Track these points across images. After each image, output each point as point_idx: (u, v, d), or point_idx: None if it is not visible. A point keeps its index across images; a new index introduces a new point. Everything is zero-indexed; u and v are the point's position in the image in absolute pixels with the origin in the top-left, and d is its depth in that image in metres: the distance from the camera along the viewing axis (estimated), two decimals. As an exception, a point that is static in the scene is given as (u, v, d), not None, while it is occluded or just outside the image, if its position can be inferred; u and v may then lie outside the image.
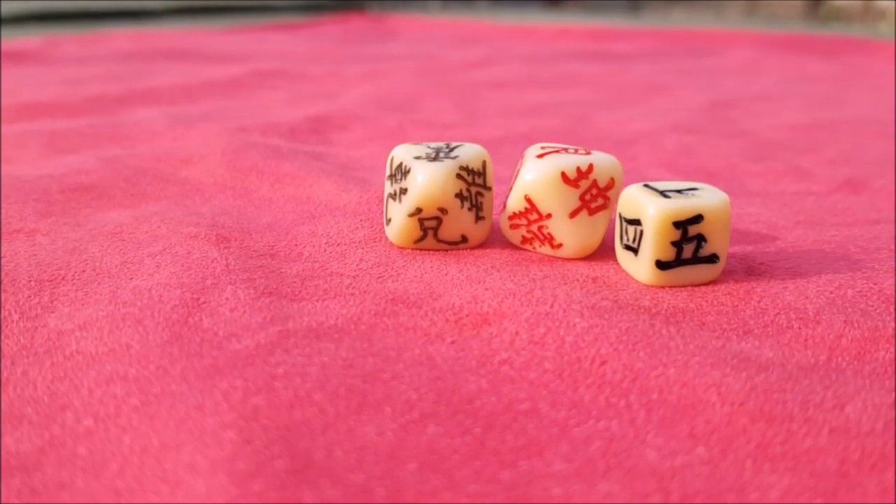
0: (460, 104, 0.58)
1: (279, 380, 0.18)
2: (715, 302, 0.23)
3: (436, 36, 1.18)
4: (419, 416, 0.17)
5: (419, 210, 0.26)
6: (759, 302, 0.23)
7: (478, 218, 0.26)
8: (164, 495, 0.15)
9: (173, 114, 0.51)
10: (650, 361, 0.19)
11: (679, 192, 0.24)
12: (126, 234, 0.28)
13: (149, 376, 0.18)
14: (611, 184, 0.25)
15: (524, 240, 0.26)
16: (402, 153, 0.27)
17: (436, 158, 0.26)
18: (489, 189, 0.27)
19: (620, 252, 0.25)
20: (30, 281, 0.24)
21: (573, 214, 0.25)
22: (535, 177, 0.25)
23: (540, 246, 0.26)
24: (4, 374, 0.19)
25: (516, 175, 0.26)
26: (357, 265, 0.26)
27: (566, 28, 1.24)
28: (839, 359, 0.20)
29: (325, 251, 0.27)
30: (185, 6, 1.52)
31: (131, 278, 0.24)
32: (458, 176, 0.26)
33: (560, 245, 0.26)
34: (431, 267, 0.25)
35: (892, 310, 0.22)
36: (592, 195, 0.25)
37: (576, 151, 0.26)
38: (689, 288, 0.24)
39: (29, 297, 0.23)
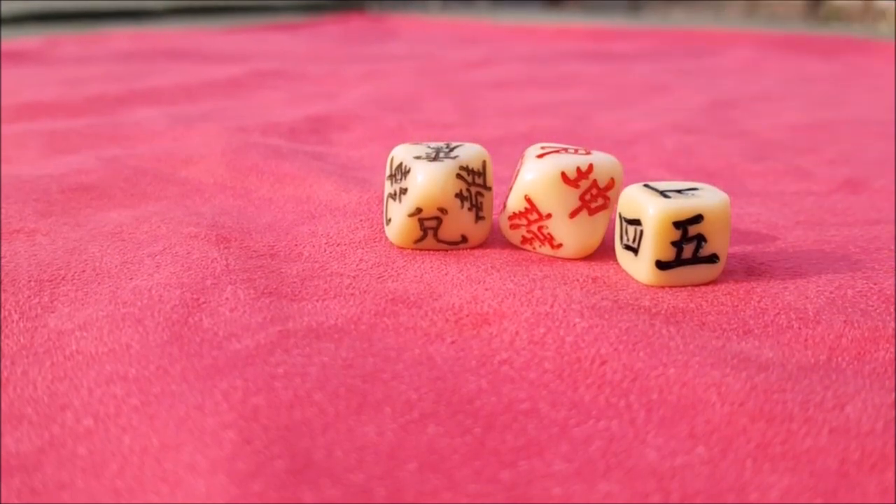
0: (460, 104, 0.58)
1: (279, 380, 0.18)
2: (715, 302, 0.23)
3: (436, 36, 1.18)
4: (419, 416, 0.17)
5: (419, 210, 0.26)
6: (759, 302, 0.23)
7: (478, 218, 0.26)
8: (164, 495, 0.15)
9: (173, 114, 0.51)
10: (650, 361, 0.19)
11: (679, 192, 0.24)
12: (126, 234, 0.28)
13: (149, 376, 0.18)
14: (611, 184, 0.25)
15: (524, 240, 0.26)
16: (402, 153, 0.27)
17: (436, 158, 0.26)
18: (489, 189, 0.27)
19: (620, 252, 0.25)
20: (30, 281, 0.24)
21: (573, 214, 0.25)
22: (535, 177, 0.25)
23: (540, 246, 0.26)
24: (4, 374, 0.19)
25: (516, 175, 0.26)
26: (357, 265, 0.26)
27: (566, 28, 1.24)
28: (839, 359, 0.20)
29: (325, 251, 0.27)
30: (185, 6, 1.52)
31: (131, 278, 0.24)
32: (458, 176, 0.26)
33: (560, 245, 0.26)
34: (431, 267, 0.25)
35: (892, 310, 0.22)
36: (592, 195, 0.25)
37: (576, 151, 0.26)
38: (689, 288, 0.24)
39: (29, 297, 0.23)
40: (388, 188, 0.27)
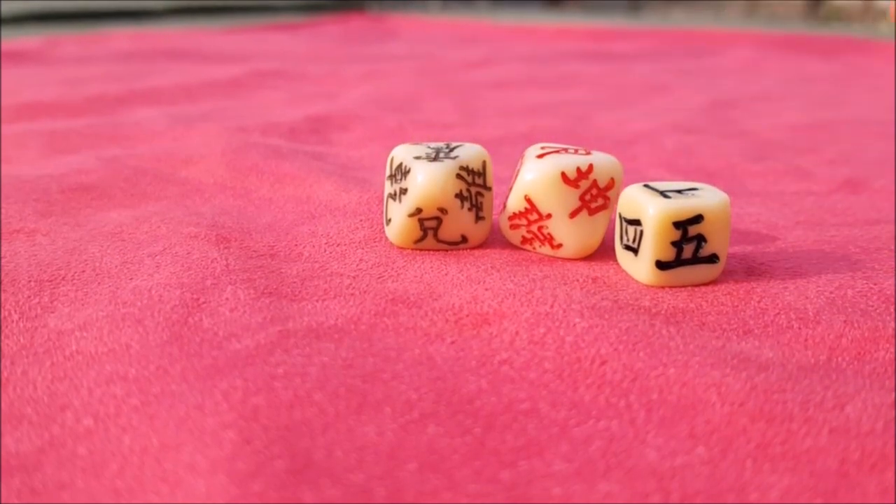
0: (460, 104, 0.58)
1: (279, 380, 0.18)
2: (715, 302, 0.23)
3: (436, 36, 1.18)
4: (419, 416, 0.17)
5: (419, 210, 0.26)
6: (759, 302, 0.23)
7: (478, 218, 0.26)
8: (164, 495, 0.15)
9: (173, 114, 0.51)
10: (650, 361, 0.19)
11: (679, 192, 0.24)
12: (126, 234, 0.28)
13: (149, 376, 0.18)
14: (611, 184, 0.25)
15: (524, 240, 0.26)
16: (402, 153, 0.27)
17: (436, 158, 0.26)
18: (489, 189, 0.27)
19: (620, 252, 0.25)
20: (30, 281, 0.24)
21: (573, 214, 0.25)
22: (535, 177, 0.25)
23: (540, 246, 0.26)
24: (4, 374, 0.19)
25: (516, 175, 0.26)
26: (357, 265, 0.26)
27: (566, 28, 1.24)
28: (839, 359, 0.20)
29: (325, 251, 0.27)
30: (185, 6, 1.52)
31: (131, 278, 0.24)
32: (458, 176, 0.26)
33: (560, 245, 0.26)
34: (431, 267, 0.25)
35: (892, 310, 0.22)
36: (592, 195, 0.25)
37: (576, 151, 0.26)
38: (689, 288, 0.24)
39: (29, 297, 0.23)
40: (388, 188, 0.27)
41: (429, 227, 0.26)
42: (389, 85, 0.67)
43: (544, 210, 0.25)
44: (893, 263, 0.26)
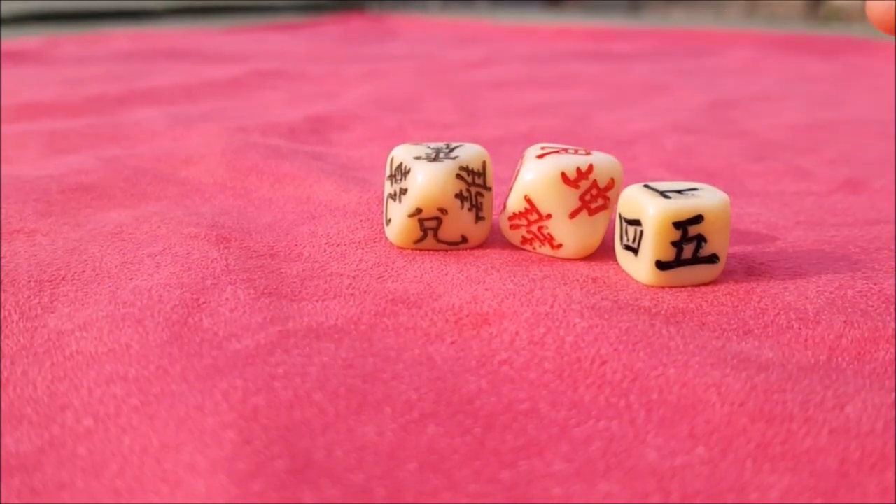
0: (460, 104, 0.58)
1: (279, 380, 0.18)
2: (715, 302, 0.23)
3: (436, 36, 1.18)
4: (419, 416, 0.17)
5: (419, 210, 0.26)
6: (759, 302, 0.23)
7: (478, 218, 0.26)
8: (164, 495, 0.15)
9: (173, 114, 0.51)
10: (650, 361, 0.19)
11: (679, 192, 0.24)
12: (126, 234, 0.28)
13: (149, 376, 0.18)
14: (611, 184, 0.25)
15: (524, 240, 0.26)
16: (402, 153, 0.27)
17: (436, 159, 0.26)
18: (489, 189, 0.27)
19: (620, 252, 0.25)
20: (30, 281, 0.24)
21: (573, 215, 0.25)
22: (535, 177, 0.25)
23: (540, 246, 0.26)
24: (4, 374, 0.19)
25: (516, 175, 0.26)
26: (357, 265, 0.26)
27: (566, 28, 1.24)
28: (839, 359, 0.20)
29: (325, 251, 0.27)
30: (185, 6, 1.52)
31: (131, 278, 0.24)
32: (458, 176, 0.26)
33: (560, 245, 0.26)
34: (431, 267, 0.25)
35: (892, 310, 0.22)
36: (592, 195, 0.25)
37: (576, 152, 0.26)
38: (689, 288, 0.24)
39: (29, 297, 0.23)
40: (388, 188, 0.27)
41: (429, 227, 0.26)
42: (389, 85, 0.67)
43: (544, 210, 0.25)
44: (893, 263, 0.26)
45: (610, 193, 0.25)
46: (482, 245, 0.27)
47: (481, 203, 0.26)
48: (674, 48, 1.02)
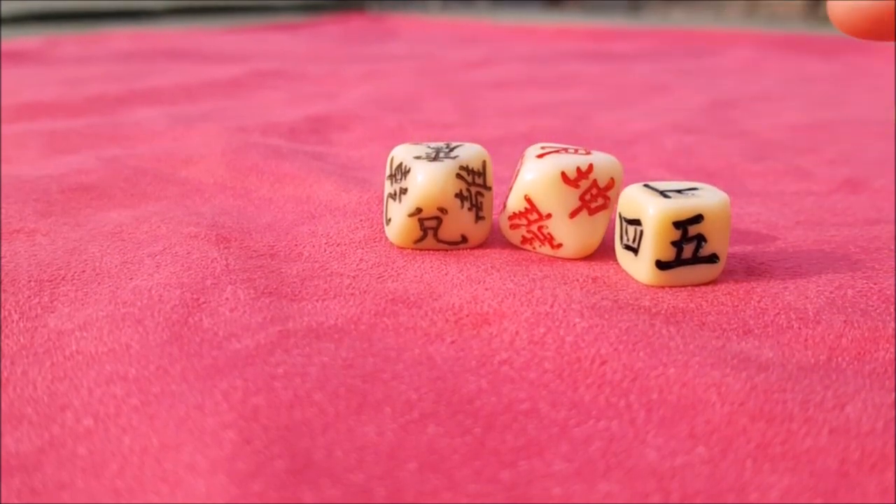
0: (460, 104, 0.58)
1: (279, 380, 0.18)
2: (715, 302, 0.23)
3: (436, 36, 1.18)
4: (419, 416, 0.17)
5: (419, 210, 0.26)
6: (759, 302, 0.23)
7: (478, 218, 0.26)
8: (164, 495, 0.15)
9: (173, 114, 0.51)
10: (650, 361, 0.19)
11: (679, 192, 0.24)
12: (126, 234, 0.28)
13: (149, 376, 0.18)
14: (611, 184, 0.25)
15: (524, 240, 0.26)
16: (402, 153, 0.27)
17: (436, 158, 0.26)
18: (489, 189, 0.27)
19: (620, 252, 0.25)
20: (30, 281, 0.24)
21: (573, 214, 0.25)
22: (535, 177, 0.25)
23: (540, 246, 0.26)
24: (4, 374, 0.19)
25: (516, 175, 0.26)
26: (357, 265, 0.26)
27: (566, 28, 1.24)
28: (839, 359, 0.20)
29: (325, 251, 0.27)
30: (185, 6, 1.52)
31: (131, 278, 0.24)
32: (458, 176, 0.26)
33: (560, 245, 0.26)
34: (431, 267, 0.25)
35: (892, 310, 0.22)
36: (592, 195, 0.25)
37: (576, 151, 0.26)
38: (689, 288, 0.24)
39: (29, 297, 0.23)
40: (388, 188, 0.27)
41: (429, 226, 0.26)
42: (389, 85, 0.67)
43: (544, 210, 0.25)
44: (893, 263, 0.26)
45: (610, 193, 0.25)
46: (482, 245, 0.27)
47: (481, 203, 0.26)
48: (674, 48, 1.02)
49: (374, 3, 1.80)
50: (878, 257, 0.27)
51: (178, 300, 0.22)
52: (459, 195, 0.26)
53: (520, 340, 0.21)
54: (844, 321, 0.21)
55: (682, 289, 0.24)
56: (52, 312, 0.22)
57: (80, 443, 0.16)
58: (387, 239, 0.28)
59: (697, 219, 0.23)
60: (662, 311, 0.22)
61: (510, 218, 0.26)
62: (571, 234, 0.25)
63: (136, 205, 0.32)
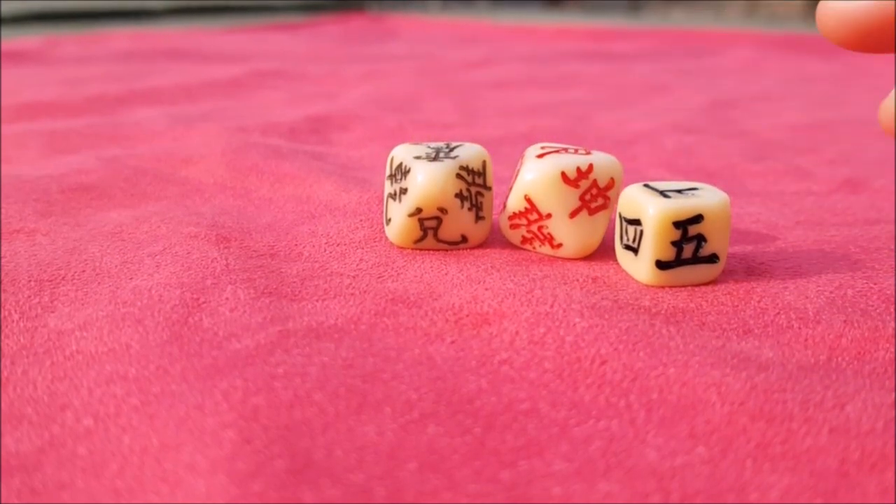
0: (460, 104, 0.58)
1: (279, 380, 0.18)
2: (715, 302, 0.23)
3: (436, 36, 1.18)
4: (419, 416, 0.17)
5: (419, 210, 0.26)
6: (759, 302, 0.23)
7: (478, 218, 0.26)
8: (164, 495, 0.15)
9: (173, 114, 0.51)
10: (650, 361, 0.19)
11: (679, 192, 0.24)
12: (126, 234, 0.28)
13: (149, 376, 0.18)
14: (611, 184, 0.25)
15: (524, 240, 0.26)
16: (402, 153, 0.27)
17: (436, 158, 0.26)
18: (489, 189, 0.27)
19: (620, 252, 0.25)
20: (30, 281, 0.24)
21: (573, 214, 0.25)
22: (535, 177, 0.25)
23: (540, 246, 0.26)
24: (4, 374, 0.19)
25: (516, 175, 0.26)
26: (357, 265, 0.26)
27: (566, 28, 1.24)
28: (839, 359, 0.20)
29: (325, 251, 0.27)
30: (185, 6, 1.52)
31: (131, 278, 0.24)
32: (458, 176, 0.26)
33: (560, 245, 0.26)
34: (431, 267, 0.25)
35: (892, 310, 0.22)
36: (592, 195, 0.25)
37: (576, 151, 0.26)
38: (689, 288, 0.24)
39: (29, 297, 0.23)
40: (388, 188, 0.27)
41: (429, 226, 0.26)
42: (389, 85, 0.67)
43: (544, 210, 0.25)
44: (893, 263, 0.26)
45: (610, 193, 0.25)
46: (482, 245, 0.27)
47: (481, 203, 0.26)
48: (674, 48, 1.02)
49: (374, 3, 1.80)
50: (878, 257, 0.27)
51: (178, 300, 0.22)
52: (459, 195, 0.26)
53: (520, 340, 0.21)
54: (844, 321, 0.21)
55: (682, 289, 0.24)
56: (53, 312, 0.22)
57: (80, 443, 0.16)
58: (387, 239, 0.28)
59: (697, 219, 0.23)
60: (662, 311, 0.22)
61: (510, 218, 0.26)
62: (571, 234, 0.25)
63: (136, 205, 0.32)
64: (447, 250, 0.27)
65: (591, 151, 0.26)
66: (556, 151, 0.26)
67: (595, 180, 0.25)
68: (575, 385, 0.19)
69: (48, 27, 1.19)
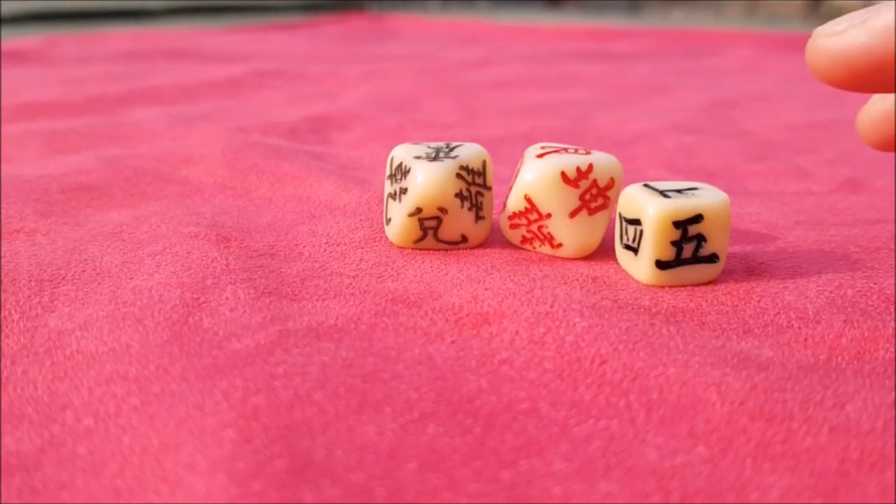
0: (460, 104, 0.58)
1: (279, 379, 0.18)
2: (715, 302, 0.23)
3: (436, 36, 1.18)
4: (419, 415, 0.17)
5: (419, 210, 0.26)
6: (759, 302, 0.23)
7: (478, 218, 0.26)
8: (164, 495, 0.15)
9: (173, 114, 0.51)
10: (650, 361, 0.19)
11: (679, 191, 0.24)
12: (126, 234, 0.28)
13: (149, 376, 0.18)
14: (611, 184, 0.25)
15: (524, 240, 0.26)
16: (402, 153, 0.27)
17: (436, 158, 0.26)
18: (489, 189, 0.27)
19: (620, 252, 0.25)
20: (30, 281, 0.24)
21: (573, 214, 0.25)
22: (535, 177, 0.25)
23: (540, 246, 0.26)
24: (4, 373, 0.19)
25: (516, 175, 0.26)
26: (357, 265, 0.26)
27: (566, 28, 1.24)
28: (839, 358, 0.20)
29: (325, 251, 0.27)
30: (185, 6, 1.52)
31: (131, 278, 0.24)
32: (458, 176, 0.26)
33: (560, 245, 0.26)
34: (431, 267, 0.25)
35: (892, 310, 0.22)
36: (592, 195, 0.25)
37: (576, 151, 0.26)
38: (689, 288, 0.24)
39: (29, 296, 0.23)
40: (388, 188, 0.27)
41: (429, 226, 0.26)
42: (389, 85, 0.67)
43: (544, 210, 0.25)
44: (893, 263, 0.26)
45: (610, 193, 0.25)
46: (482, 245, 0.27)
47: (481, 203, 0.26)
48: (674, 48, 1.03)
49: (374, 3, 1.80)
50: (878, 257, 0.27)
51: (179, 300, 0.22)
52: (459, 195, 0.26)
53: (520, 340, 0.21)
54: (844, 321, 0.21)
55: (682, 289, 0.24)
56: (53, 312, 0.22)
57: (80, 442, 0.16)
58: (387, 239, 0.28)
59: (697, 218, 0.23)
60: (662, 311, 0.22)
61: (510, 218, 0.26)
62: (571, 233, 0.25)
63: (136, 205, 0.32)
64: (447, 250, 0.27)
65: (591, 151, 0.26)
66: (556, 151, 0.26)
67: (595, 180, 0.25)
68: (575, 385, 0.19)
69: (48, 27, 1.19)
